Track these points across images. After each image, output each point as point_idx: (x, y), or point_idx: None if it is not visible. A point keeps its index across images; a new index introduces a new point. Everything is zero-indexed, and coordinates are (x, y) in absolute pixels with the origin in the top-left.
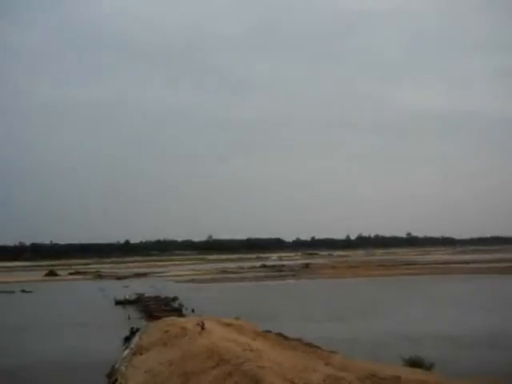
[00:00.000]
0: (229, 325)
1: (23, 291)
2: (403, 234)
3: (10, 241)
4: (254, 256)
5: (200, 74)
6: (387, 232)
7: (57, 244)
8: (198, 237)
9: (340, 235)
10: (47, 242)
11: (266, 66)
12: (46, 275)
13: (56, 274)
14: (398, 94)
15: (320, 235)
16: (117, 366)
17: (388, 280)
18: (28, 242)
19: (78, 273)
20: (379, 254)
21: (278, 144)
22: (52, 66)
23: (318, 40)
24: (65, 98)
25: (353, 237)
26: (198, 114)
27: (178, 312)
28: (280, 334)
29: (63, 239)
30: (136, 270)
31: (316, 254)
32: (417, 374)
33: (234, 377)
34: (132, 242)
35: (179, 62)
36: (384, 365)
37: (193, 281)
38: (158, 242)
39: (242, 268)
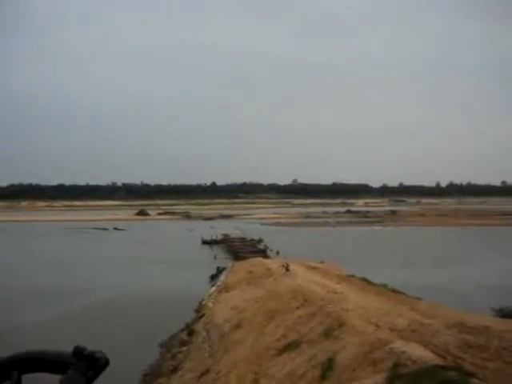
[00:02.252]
0: (313, 268)
1: (116, 229)
2: (497, 183)
3: (103, 181)
4: (339, 201)
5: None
6: (480, 180)
7: (147, 184)
8: (284, 180)
9: (430, 182)
10: (138, 182)
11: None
12: (137, 214)
13: (146, 214)
14: None
15: (408, 181)
16: (204, 301)
17: (479, 230)
18: (120, 182)
19: (166, 213)
20: (471, 203)
21: (368, 91)
22: None
23: None
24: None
25: (443, 184)
26: (288, 59)
27: (263, 253)
28: (364, 279)
29: (153, 180)
30: (222, 212)
31: (404, 200)
32: (508, 324)
33: (318, 317)
34: (218, 184)
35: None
36: (472, 314)
37: (277, 224)
38: (244, 184)
39: (327, 213)
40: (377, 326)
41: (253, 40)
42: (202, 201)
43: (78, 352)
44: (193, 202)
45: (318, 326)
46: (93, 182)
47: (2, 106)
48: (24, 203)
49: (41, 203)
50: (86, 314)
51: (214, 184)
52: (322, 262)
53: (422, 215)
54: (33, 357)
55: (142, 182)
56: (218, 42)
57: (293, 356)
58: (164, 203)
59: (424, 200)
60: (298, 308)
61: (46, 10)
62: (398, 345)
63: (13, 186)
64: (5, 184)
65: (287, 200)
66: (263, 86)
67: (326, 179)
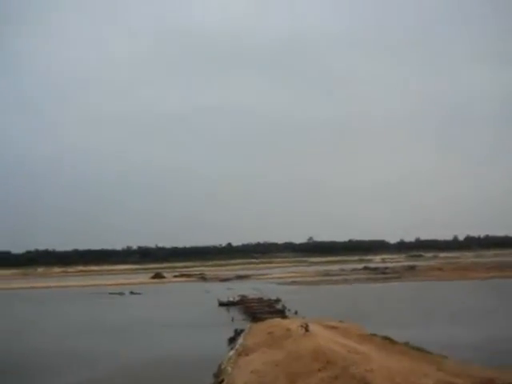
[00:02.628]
0: (333, 327)
1: (132, 293)
2: None
3: (118, 245)
4: (356, 258)
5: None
6: (499, 232)
7: (162, 247)
8: (299, 239)
9: (446, 236)
10: (152, 245)
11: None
12: (153, 277)
13: (162, 277)
14: None
15: (425, 236)
16: (223, 366)
17: (501, 283)
18: (135, 246)
19: (182, 275)
20: (490, 256)
21: (377, 144)
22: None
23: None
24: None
25: (461, 237)
26: (295, 114)
27: (281, 314)
28: (386, 338)
29: (168, 243)
30: (238, 272)
31: (421, 255)
32: None
33: (341, 379)
34: (234, 244)
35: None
36: (501, 370)
37: (294, 283)
38: (259, 244)
39: (344, 270)
40: None
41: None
42: (217, 262)
43: None
44: (208, 263)
45: None
46: (108, 247)
47: (11, 171)
48: (40, 269)
49: (56, 269)
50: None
51: (229, 245)
52: (341, 321)
53: (440, 269)
54: None
55: (156, 245)
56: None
57: None
58: (180, 265)
59: (441, 254)
60: (320, 370)
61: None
62: None
63: (29, 252)
64: (21, 251)
65: (303, 258)
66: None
67: (341, 236)
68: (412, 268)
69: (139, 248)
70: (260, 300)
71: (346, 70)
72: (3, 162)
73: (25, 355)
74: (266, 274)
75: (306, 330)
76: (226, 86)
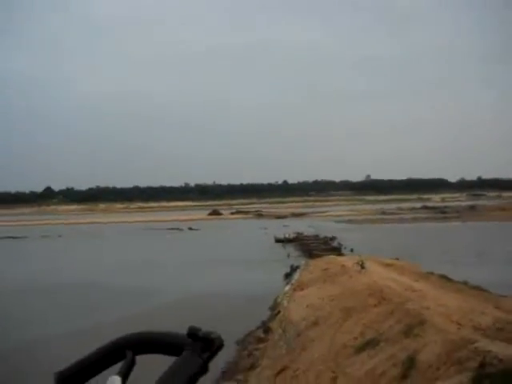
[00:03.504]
0: (389, 265)
1: (190, 229)
2: None
3: (176, 182)
4: (414, 197)
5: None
6: None
7: (219, 185)
8: (356, 177)
9: (511, 174)
10: (210, 182)
11: None
12: (210, 214)
13: (219, 213)
14: None
15: (487, 175)
16: (279, 300)
17: None
18: (193, 183)
19: (239, 212)
20: None
21: (440, 80)
22: None
23: None
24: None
25: None
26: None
27: (337, 251)
28: (443, 276)
29: (225, 180)
30: (294, 210)
31: (483, 194)
32: None
33: (397, 315)
34: (290, 182)
35: None
36: None
37: (350, 221)
38: (316, 182)
39: (402, 209)
40: (459, 324)
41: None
42: (273, 199)
43: (193, 333)
44: (265, 200)
45: (396, 324)
46: (167, 184)
47: (76, 108)
48: (102, 205)
49: (118, 205)
50: (157, 315)
51: (285, 182)
52: (397, 259)
53: (503, 209)
54: (147, 337)
55: (214, 182)
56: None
57: (371, 354)
58: (236, 202)
59: (505, 194)
60: (375, 306)
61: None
62: (483, 343)
63: (91, 189)
64: (84, 188)
65: (360, 197)
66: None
67: (400, 174)
68: (473, 208)
69: (197, 185)
70: (316, 237)
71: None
72: (69, 99)
73: (88, 288)
74: (322, 212)
75: (362, 266)
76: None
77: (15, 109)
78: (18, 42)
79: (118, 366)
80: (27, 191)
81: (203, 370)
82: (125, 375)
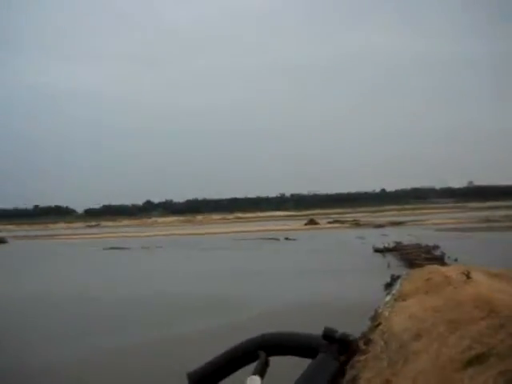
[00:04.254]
0: (497, 275)
1: (286, 239)
2: None
3: (272, 193)
4: None
5: None
6: None
7: (315, 194)
8: (458, 183)
9: None
10: (305, 192)
11: None
12: (307, 224)
13: (316, 223)
14: None
15: None
16: (380, 310)
17: None
18: (288, 193)
19: (336, 221)
20: None
21: None
22: None
23: None
24: None
25: None
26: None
27: (440, 260)
28: None
29: (321, 189)
30: (392, 219)
31: None
32: None
33: (508, 329)
34: (388, 190)
35: None
36: None
37: (453, 229)
38: (414, 189)
39: (509, 216)
40: None
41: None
42: (371, 208)
43: (329, 334)
44: (362, 209)
45: (508, 338)
46: (262, 195)
47: (175, 125)
48: (200, 217)
49: (215, 216)
50: (251, 326)
51: (383, 190)
52: (507, 269)
53: None
54: (280, 338)
55: (309, 192)
56: None
57: (481, 370)
58: (333, 212)
59: None
60: (483, 318)
61: None
62: None
63: (189, 201)
64: (182, 200)
65: (462, 204)
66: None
67: (505, 180)
68: None
69: (292, 195)
70: (417, 246)
71: None
72: (164, 114)
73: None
74: (422, 221)
75: (468, 277)
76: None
77: (119, 127)
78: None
79: (249, 368)
80: (129, 204)
81: (341, 373)
82: (261, 375)
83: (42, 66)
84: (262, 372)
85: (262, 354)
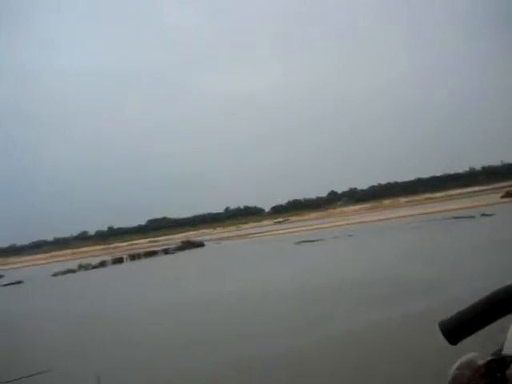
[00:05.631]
0: None
1: (483, 215)
2: None
3: (460, 168)
4: None
5: None
6: None
7: (509, 163)
8: None
9: None
10: (498, 163)
11: None
12: (503, 197)
13: None
14: None
15: None
16: None
17: None
18: (478, 167)
19: None
20: None
21: None
22: None
23: None
24: None
25: None
26: None
27: None
28: None
29: None
30: None
31: None
32: None
33: None
34: None
35: None
36: None
37: None
38: None
39: None
40: None
41: None
42: None
43: None
44: None
45: None
46: (450, 171)
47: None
48: (387, 202)
49: (402, 199)
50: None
51: None
52: None
53: None
54: None
55: (502, 162)
56: None
57: None
58: None
59: None
60: None
61: None
62: None
63: (374, 187)
64: (365, 187)
65: None
66: None
67: None
68: None
69: (483, 168)
70: None
71: None
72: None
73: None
74: None
75: None
76: None
77: (291, 124)
78: None
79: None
80: (314, 197)
81: None
82: None
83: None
84: None
85: None
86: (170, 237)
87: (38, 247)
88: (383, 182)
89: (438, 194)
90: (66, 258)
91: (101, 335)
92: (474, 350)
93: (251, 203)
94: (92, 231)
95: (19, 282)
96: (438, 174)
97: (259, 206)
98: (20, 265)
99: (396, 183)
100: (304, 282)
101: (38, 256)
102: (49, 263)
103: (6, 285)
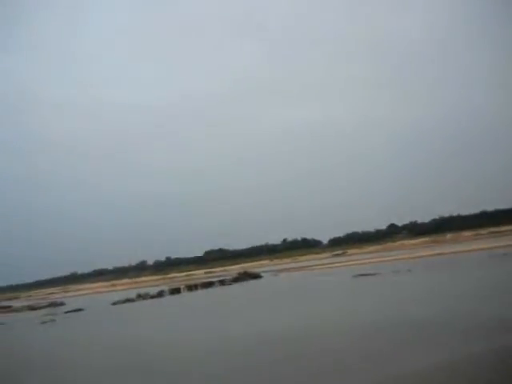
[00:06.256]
0: None
1: None
2: None
3: None
4: None
5: None
6: None
7: None
8: None
9: None
10: None
11: None
12: None
13: None
14: None
15: None
16: None
17: None
18: None
19: None
20: None
21: None
22: None
23: None
24: None
25: None
26: None
27: None
28: None
29: None
30: None
31: None
32: None
33: None
34: None
35: None
36: None
37: None
38: None
39: None
40: None
41: None
42: None
43: None
44: None
45: None
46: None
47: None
48: (448, 235)
49: (466, 233)
50: None
51: None
52: None
53: None
54: None
55: None
56: None
57: None
58: None
59: None
60: None
61: None
62: None
63: (435, 220)
64: (426, 220)
65: None
66: None
67: None
68: None
69: None
70: None
71: None
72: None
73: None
74: None
75: None
76: None
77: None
78: None
79: None
80: (373, 230)
81: None
82: None
83: None
84: None
85: None
86: (226, 268)
87: (98, 275)
88: (445, 214)
89: (504, 228)
90: (126, 287)
91: (157, 367)
92: None
93: (309, 235)
94: (150, 261)
95: (79, 310)
96: (504, 207)
97: (317, 238)
98: (81, 292)
99: (459, 216)
100: (362, 317)
101: (98, 284)
102: (109, 291)
103: (66, 312)
